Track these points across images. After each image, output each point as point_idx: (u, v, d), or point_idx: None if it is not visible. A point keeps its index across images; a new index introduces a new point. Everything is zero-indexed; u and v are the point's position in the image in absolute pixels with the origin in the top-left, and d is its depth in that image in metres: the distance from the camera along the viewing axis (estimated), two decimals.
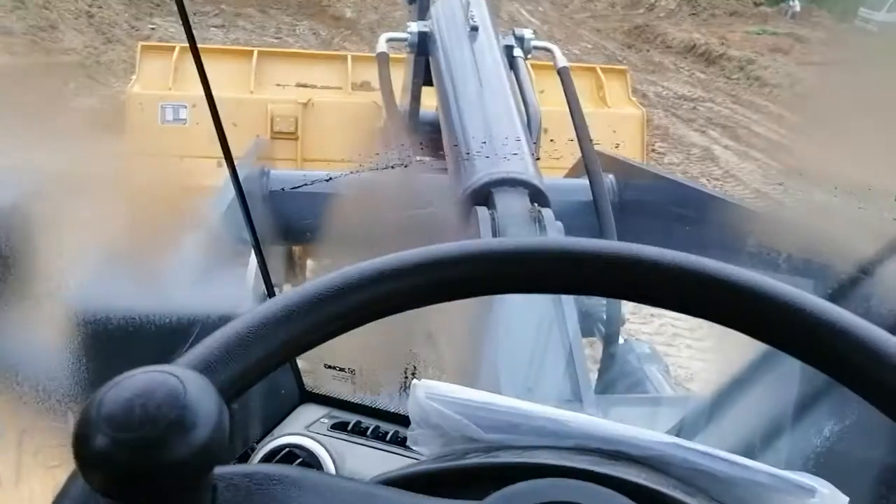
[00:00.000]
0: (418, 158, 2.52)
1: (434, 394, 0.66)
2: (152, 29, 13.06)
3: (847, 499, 0.61)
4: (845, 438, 0.91)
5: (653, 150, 8.65)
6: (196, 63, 1.06)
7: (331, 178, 1.94)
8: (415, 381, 0.67)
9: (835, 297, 0.93)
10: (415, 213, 1.66)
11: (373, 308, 0.54)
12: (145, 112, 3.84)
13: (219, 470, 0.41)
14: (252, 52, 4.29)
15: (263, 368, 0.48)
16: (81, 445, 0.36)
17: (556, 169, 3.32)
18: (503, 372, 1.45)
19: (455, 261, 0.54)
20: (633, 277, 0.54)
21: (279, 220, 2.42)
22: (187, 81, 3.86)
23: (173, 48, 4.10)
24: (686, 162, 9.26)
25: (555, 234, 1.66)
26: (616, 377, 2.17)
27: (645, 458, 0.63)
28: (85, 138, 1.49)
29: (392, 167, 1.76)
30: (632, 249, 0.53)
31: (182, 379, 0.38)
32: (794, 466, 0.67)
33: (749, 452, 0.85)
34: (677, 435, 0.73)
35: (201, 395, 0.37)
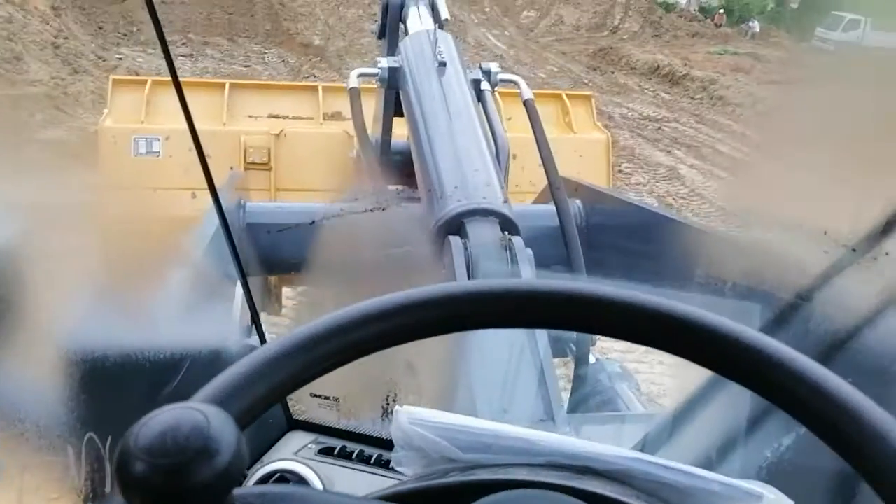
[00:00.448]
0: (391, 187, 2.58)
1: (416, 418, 0.72)
2: (119, 59, 12.99)
3: (792, 503, 0.68)
4: (793, 449, 0.99)
5: (619, 171, 8.79)
6: (179, 97, 1.10)
7: (314, 223, 2.00)
8: (397, 407, 0.73)
9: (777, 321, 1.01)
10: (391, 251, 1.71)
11: (360, 347, 0.60)
12: (118, 145, 3.86)
13: (237, 490, 0.47)
14: (224, 84, 4.33)
15: (269, 401, 0.55)
16: (123, 471, 0.42)
17: (527, 193, 3.40)
18: (479, 395, 1.50)
19: (436, 302, 0.60)
20: (592, 314, 0.61)
21: (256, 252, 2.46)
22: (160, 115, 3.89)
23: (145, 82, 4.13)
24: (652, 182, 9.40)
25: (526, 271, 1.72)
26: (588, 396, 2.23)
27: (610, 472, 0.69)
28: (55, 169, 1.52)
29: (372, 210, 1.82)
30: (592, 289, 0.60)
31: (205, 413, 0.44)
32: (748, 475, 0.74)
33: (707, 464, 0.92)
34: (641, 450, 0.80)
35: (222, 427, 0.43)
